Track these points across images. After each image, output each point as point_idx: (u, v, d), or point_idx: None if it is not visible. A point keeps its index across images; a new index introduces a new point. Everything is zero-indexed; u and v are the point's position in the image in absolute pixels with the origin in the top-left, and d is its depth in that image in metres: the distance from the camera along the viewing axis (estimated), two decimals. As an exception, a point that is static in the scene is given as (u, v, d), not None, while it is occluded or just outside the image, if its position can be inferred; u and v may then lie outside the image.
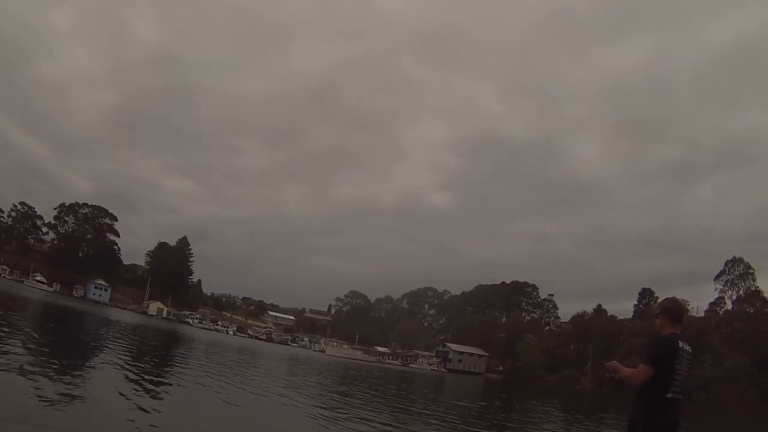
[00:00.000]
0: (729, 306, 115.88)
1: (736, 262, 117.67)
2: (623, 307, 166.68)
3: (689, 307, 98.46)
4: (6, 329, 26.39)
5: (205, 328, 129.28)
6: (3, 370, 15.17)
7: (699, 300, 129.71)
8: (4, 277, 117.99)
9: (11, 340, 22.42)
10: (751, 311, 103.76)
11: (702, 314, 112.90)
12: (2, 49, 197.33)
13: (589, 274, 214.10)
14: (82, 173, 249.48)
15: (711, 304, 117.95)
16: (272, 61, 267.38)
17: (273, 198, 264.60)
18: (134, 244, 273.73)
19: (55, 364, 18.84)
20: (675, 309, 6.92)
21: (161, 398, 17.35)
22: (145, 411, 14.25)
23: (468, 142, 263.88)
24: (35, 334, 28.93)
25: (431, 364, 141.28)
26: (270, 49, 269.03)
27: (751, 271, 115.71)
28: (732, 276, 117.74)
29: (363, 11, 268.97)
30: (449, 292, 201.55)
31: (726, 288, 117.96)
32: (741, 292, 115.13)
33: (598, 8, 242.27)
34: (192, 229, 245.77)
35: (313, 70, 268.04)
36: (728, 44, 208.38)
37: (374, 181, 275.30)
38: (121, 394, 16.04)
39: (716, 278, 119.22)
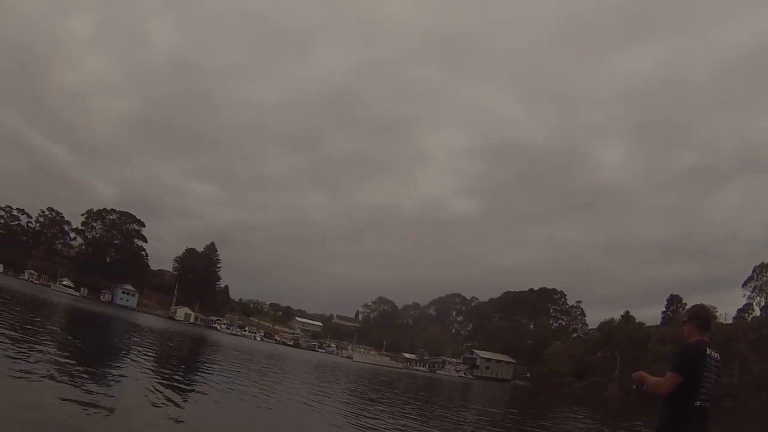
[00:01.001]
0: (757, 312, 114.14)
1: (764, 268, 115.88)
2: (651, 314, 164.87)
3: (717, 314, 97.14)
4: (35, 334, 26.70)
5: (232, 334, 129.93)
6: (34, 375, 15.33)
7: (726, 306, 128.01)
8: (32, 281, 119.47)
9: (41, 345, 22.67)
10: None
11: (730, 321, 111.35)
12: (24, 58, 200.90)
13: (612, 280, 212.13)
14: (106, 179, 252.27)
15: (739, 310, 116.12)
16: (290, 68, 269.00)
17: (296, 203, 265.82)
18: (159, 250, 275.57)
19: (85, 370, 19.02)
20: (703, 316, 6.88)
21: (189, 403, 17.50)
22: (174, 416, 14.40)
23: (489, 147, 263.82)
24: (65, 339, 29.29)
25: (458, 370, 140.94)
26: (288, 56, 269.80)
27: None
28: (760, 282, 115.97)
29: (380, 17, 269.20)
30: (476, 299, 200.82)
31: (754, 294, 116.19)
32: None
33: (613, 12, 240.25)
34: (216, 234, 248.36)
35: (332, 76, 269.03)
36: (745, 48, 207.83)
37: (396, 187, 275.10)
38: (150, 398, 16.22)
39: (744, 284, 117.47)
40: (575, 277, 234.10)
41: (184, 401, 17.54)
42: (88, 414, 12.34)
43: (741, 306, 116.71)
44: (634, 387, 6.93)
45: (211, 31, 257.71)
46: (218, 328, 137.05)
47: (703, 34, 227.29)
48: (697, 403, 6.34)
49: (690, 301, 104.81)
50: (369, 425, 20.54)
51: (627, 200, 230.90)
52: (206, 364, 36.35)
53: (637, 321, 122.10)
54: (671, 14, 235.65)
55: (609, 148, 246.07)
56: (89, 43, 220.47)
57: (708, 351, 6.47)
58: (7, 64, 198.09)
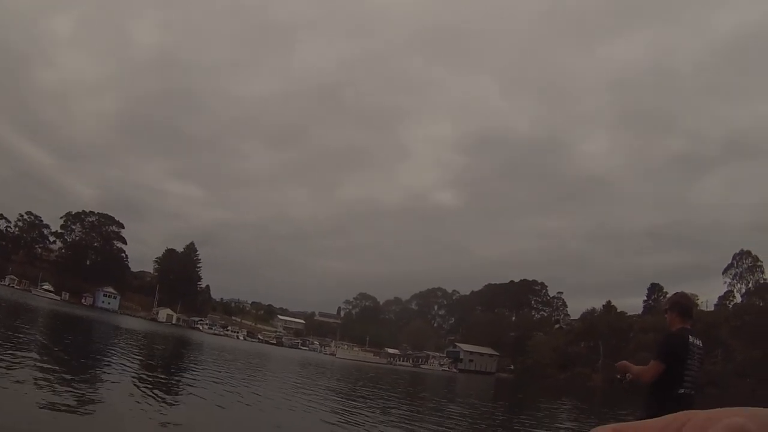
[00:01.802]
0: (738, 299, 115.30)
1: (744, 255, 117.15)
2: (633, 303, 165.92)
3: (698, 302, 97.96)
4: (17, 339, 26.47)
5: (215, 334, 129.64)
6: (16, 381, 15.18)
7: (709, 294, 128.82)
8: (13, 287, 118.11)
9: (23, 350, 22.47)
10: (761, 304, 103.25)
11: (712, 308, 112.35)
12: (3, 57, 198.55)
13: (597, 269, 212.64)
14: (86, 181, 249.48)
15: (720, 297, 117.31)
16: (275, 62, 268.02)
17: (278, 200, 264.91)
18: (141, 251, 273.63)
19: (68, 373, 18.87)
20: (684, 304, 6.93)
21: (177, 405, 17.38)
22: (163, 419, 14.27)
23: (473, 138, 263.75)
24: (47, 344, 29.02)
25: (442, 364, 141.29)
26: (272, 50, 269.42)
27: (759, 263, 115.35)
28: (740, 269, 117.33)
29: (365, 10, 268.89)
30: (458, 292, 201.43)
31: (735, 281, 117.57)
32: (750, 285, 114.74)
33: (598, 1, 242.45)
34: (198, 234, 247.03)
35: (316, 69, 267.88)
36: (729, 35, 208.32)
37: (380, 180, 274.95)
38: (136, 402, 16.06)
39: (725, 271, 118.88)
40: (559, 267, 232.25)
41: (171, 404, 17.41)
42: (72, 419, 12.23)
43: (722, 293, 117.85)
44: (618, 377, 6.97)
45: (194, 27, 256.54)
46: (201, 328, 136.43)
47: (686, 22, 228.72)
48: (681, 391, 6.37)
49: (672, 290, 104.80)
50: (360, 422, 20.53)
51: (613, 189, 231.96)
52: (191, 366, 36.16)
53: (618, 310, 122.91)
54: (656, 2, 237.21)
55: (594, 137, 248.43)
56: (70, 41, 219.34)
57: (690, 339, 6.51)
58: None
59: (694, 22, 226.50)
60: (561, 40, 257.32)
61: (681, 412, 0.64)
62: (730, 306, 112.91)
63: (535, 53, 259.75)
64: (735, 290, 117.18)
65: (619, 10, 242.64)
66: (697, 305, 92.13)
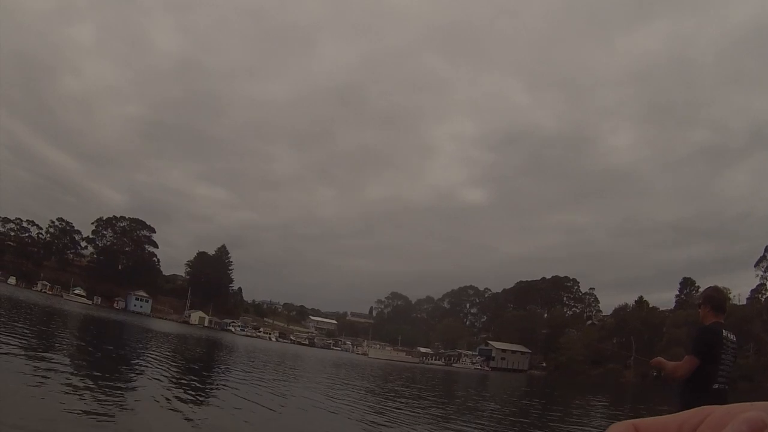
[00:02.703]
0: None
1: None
2: (664, 297, 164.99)
3: (731, 296, 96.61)
4: (47, 342, 26.82)
5: (247, 336, 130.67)
6: (49, 385, 15.34)
7: (740, 287, 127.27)
8: (45, 292, 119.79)
9: (53, 353, 22.75)
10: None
11: (744, 302, 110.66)
12: (28, 67, 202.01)
13: (626, 264, 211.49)
14: (114, 186, 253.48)
15: (752, 291, 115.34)
16: (295, 64, 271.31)
17: (305, 201, 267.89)
18: (171, 254, 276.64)
19: (101, 377, 19.05)
20: (717, 298, 6.88)
21: (208, 407, 17.46)
22: (189, 419, 14.38)
23: (498, 135, 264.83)
24: (79, 347, 29.37)
25: (474, 362, 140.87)
26: (292, 52, 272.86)
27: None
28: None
29: (383, 9, 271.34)
30: (490, 290, 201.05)
31: (767, 274, 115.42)
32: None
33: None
34: (227, 236, 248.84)
35: (337, 70, 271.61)
36: (748, 24, 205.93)
37: (406, 179, 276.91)
38: (167, 403, 16.18)
39: (757, 264, 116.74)
40: (589, 263, 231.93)
41: (203, 405, 17.52)
42: (104, 421, 12.35)
43: (754, 287, 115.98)
44: (653, 372, 6.95)
45: (214, 31, 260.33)
46: (233, 330, 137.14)
47: (704, 11, 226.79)
48: (716, 386, 6.34)
49: (704, 283, 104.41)
50: (402, 420, 20.55)
51: (638, 182, 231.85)
52: (223, 367, 36.40)
53: (650, 306, 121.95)
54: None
55: (619, 131, 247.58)
56: (92, 49, 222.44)
57: (724, 333, 6.47)
58: (11, 74, 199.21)
59: (709, 11, 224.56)
60: (581, 34, 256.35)
61: (700, 407, 0.65)
62: (763, 299, 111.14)
63: (555, 48, 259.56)
64: (767, 283, 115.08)
65: (634, 1, 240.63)
66: (730, 299, 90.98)
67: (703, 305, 6.79)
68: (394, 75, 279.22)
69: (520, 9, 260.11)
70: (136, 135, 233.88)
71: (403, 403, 29.05)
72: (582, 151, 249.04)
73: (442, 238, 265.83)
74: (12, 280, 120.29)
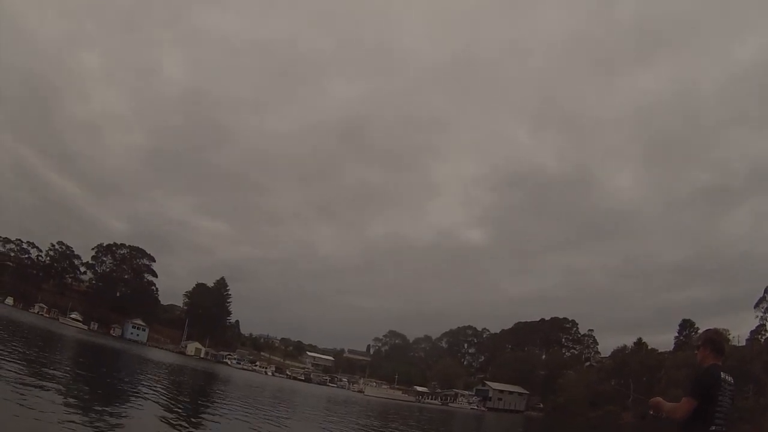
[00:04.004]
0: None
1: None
2: (664, 339, 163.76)
3: (730, 337, 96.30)
4: (42, 366, 26.70)
5: (243, 369, 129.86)
6: (47, 410, 15.26)
7: (740, 328, 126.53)
8: (42, 314, 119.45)
9: (52, 380, 22.66)
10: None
11: (743, 343, 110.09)
12: (36, 89, 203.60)
13: (626, 306, 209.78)
14: (116, 213, 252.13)
15: (752, 332, 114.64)
16: (300, 99, 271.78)
17: (306, 237, 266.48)
18: (169, 284, 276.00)
19: (96, 404, 18.98)
20: (717, 340, 6.94)
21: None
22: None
23: (499, 175, 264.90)
24: (75, 373, 29.25)
25: (471, 403, 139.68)
26: (298, 87, 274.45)
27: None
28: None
29: (388, 48, 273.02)
30: (488, 330, 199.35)
31: (767, 315, 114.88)
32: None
33: (618, 34, 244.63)
34: (227, 268, 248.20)
35: (342, 107, 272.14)
36: (748, 63, 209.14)
37: (407, 218, 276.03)
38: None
39: (756, 305, 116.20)
40: (588, 304, 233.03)
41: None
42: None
43: (754, 327, 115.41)
44: (651, 413, 6.93)
45: (222, 63, 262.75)
46: (229, 363, 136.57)
47: (706, 52, 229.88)
48: (713, 428, 6.37)
49: (703, 325, 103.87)
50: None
51: (640, 223, 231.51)
52: (218, 400, 36.23)
53: (649, 347, 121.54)
54: (677, 32, 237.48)
55: (620, 171, 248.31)
56: (100, 75, 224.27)
57: (722, 375, 6.51)
58: (18, 95, 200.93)
59: (711, 52, 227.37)
60: (583, 74, 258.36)
61: None
62: (762, 340, 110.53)
63: (557, 88, 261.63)
64: (767, 324, 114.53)
65: (639, 40, 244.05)
66: (729, 341, 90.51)
67: (703, 347, 6.85)
68: (399, 113, 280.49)
69: (524, 48, 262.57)
70: (139, 163, 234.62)
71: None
72: (584, 191, 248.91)
73: (442, 277, 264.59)
74: (9, 300, 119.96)
